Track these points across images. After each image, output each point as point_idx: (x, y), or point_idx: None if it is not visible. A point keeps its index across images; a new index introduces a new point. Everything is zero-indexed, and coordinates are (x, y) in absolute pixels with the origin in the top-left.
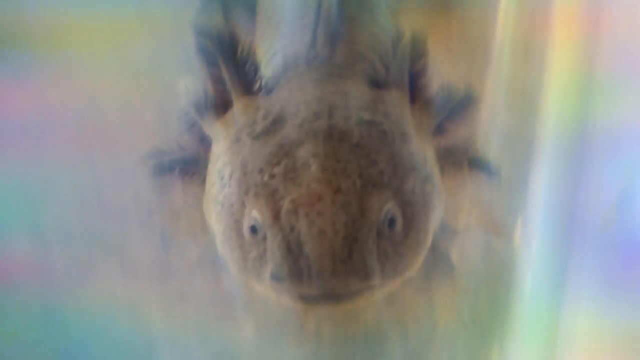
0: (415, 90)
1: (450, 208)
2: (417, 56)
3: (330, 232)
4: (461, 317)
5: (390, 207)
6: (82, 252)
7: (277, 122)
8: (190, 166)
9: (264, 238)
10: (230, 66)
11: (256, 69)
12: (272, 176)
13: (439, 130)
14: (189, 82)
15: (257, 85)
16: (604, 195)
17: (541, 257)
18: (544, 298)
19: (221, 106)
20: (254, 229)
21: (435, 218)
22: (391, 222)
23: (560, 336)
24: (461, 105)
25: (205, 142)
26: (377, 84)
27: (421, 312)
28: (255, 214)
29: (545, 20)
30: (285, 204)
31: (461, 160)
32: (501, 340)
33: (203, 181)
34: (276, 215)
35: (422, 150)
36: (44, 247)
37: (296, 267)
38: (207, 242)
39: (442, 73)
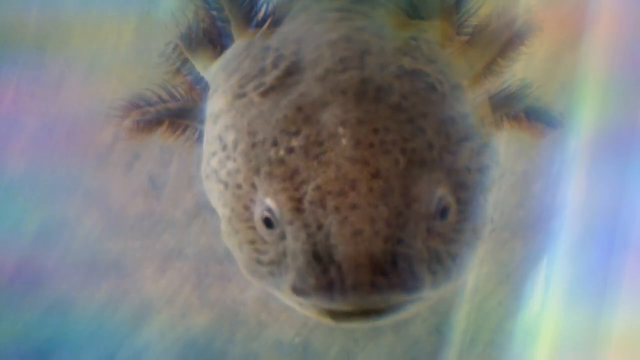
0: (461, 17)
1: None
2: None
3: (369, 233)
4: (494, 273)
5: (443, 192)
6: (59, 205)
7: (292, 72)
8: (182, 118)
9: (283, 236)
10: None
11: None
12: (289, 150)
13: (489, 70)
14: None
15: (262, 12)
16: None
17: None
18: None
19: (218, 38)
20: (268, 222)
21: (492, 196)
22: (443, 212)
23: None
24: (520, 35)
25: (199, 86)
26: (414, 10)
27: None
28: (269, 203)
29: None
30: (309, 192)
31: (517, 110)
32: (537, 299)
33: (199, 136)
34: (297, 207)
35: (477, 106)
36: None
37: (325, 279)
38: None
39: None
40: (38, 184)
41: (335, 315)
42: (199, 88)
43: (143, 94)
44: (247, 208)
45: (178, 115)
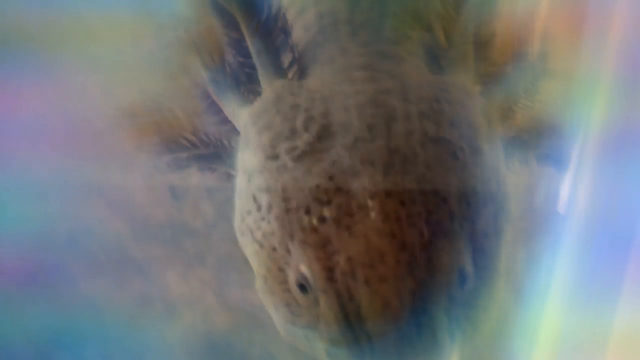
0: (480, 67)
1: None
2: (484, 19)
3: (396, 305)
4: None
5: (463, 262)
6: (84, 209)
7: (323, 137)
8: (212, 163)
9: (317, 302)
10: (253, 31)
11: (287, 33)
12: (321, 220)
13: (505, 117)
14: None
15: (288, 60)
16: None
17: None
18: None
19: (247, 85)
20: (303, 287)
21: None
22: (462, 280)
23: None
24: (536, 83)
25: (226, 128)
26: (437, 63)
27: None
28: (303, 270)
29: None
30: (341, 262)
31: (529, 156)
32: (537, 299)
33: (227, 178)
34: (330, 277)
35: (495, 166)
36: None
37: (357, 348)
38: (223, 199)
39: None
40: (36, 184)
41: None
42: (226, 131)
43: (174, 139)
44: (282, 270)
45: (208, 160)
